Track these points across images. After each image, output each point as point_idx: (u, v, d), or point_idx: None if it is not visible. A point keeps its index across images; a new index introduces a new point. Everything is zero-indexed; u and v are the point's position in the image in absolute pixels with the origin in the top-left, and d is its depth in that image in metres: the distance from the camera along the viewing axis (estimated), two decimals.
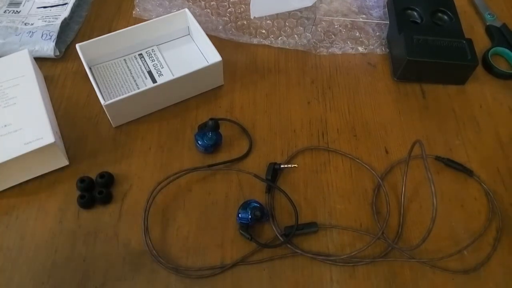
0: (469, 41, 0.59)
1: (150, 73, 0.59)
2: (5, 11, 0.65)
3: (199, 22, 0.59)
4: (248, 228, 0.46)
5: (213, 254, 0.46)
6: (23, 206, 0.49)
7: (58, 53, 0.61)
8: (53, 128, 0.49)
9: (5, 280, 0.44)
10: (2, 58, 0.56)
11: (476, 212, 0.50)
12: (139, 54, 0.61)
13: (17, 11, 0.65)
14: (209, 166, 0.51)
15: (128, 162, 0.52)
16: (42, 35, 0.61)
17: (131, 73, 0.59)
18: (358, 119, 0.57)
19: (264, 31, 0.65)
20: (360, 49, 0.64)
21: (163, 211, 0.49)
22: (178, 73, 0.54)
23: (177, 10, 0.62)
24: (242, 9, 0.68)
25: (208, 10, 0.67)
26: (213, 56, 0.56)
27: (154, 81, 0.58)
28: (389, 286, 0.44)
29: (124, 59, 0.60)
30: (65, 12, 0.64)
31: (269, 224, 0.48)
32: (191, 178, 0.51)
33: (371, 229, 0.48)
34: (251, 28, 0.66)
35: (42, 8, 0.66)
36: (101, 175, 0.50)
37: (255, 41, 0.64)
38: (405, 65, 0.57)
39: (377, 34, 0.65)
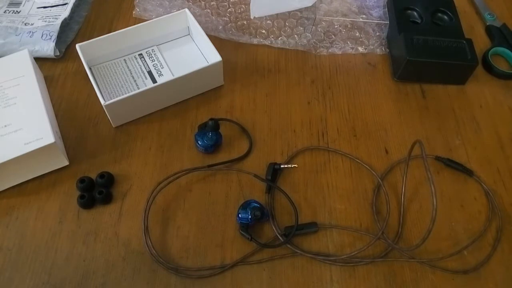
0: (469, 41, 0.59)
1: (150, 73, 0.59)
2: (5, 11, 0.65)
3: (199, 22, 0.59)
4: (248, 228, 0.46)
5: (213, 254, 0.46)
6: (23, 206, 0.49)
7: (58, 53, 0.61)
8: (53, 128, 0.49)
9: (5, 280, 0.44)
10: (2, 58, 0.56)
11: (476, 212, 0.50)
12: (139, 54, 0.61)
13: (17, 11, 0.65)
14: (209, 166, 0.51)
15: (128, 162, 0.52)
16: (42, 35, 0.61)
17: (131, 73, 0.59)
18: (358, 119, 0.57)
19: (264, 31, 0.65)
20: (360, 49, 0.64)
21: (163, 211, 0.49)
22: (178, 73, 0.54)
23: (177, 10, 0.62)
24: (242, 9, 0.68)
25: (208, 10, 0.67)
26: (213, 56, 0.56)
27: (154, 81, 0.58)
28: (389, 286, 0.44)
29: (124, 59, 0.60)
30: (65, 12, 0.64)
31: (269, 224, 0.48)
32: (191, 178, 0.51)
33: (371, 229, 0.48)
34: (251, 28, 0.66)
35: (42, 8, 0.66)
36: (101, 175, 0.50)
37: (255, 41, 0.64)
38: (405, 65, 0.57)
39: (377, 34, 0.65)
